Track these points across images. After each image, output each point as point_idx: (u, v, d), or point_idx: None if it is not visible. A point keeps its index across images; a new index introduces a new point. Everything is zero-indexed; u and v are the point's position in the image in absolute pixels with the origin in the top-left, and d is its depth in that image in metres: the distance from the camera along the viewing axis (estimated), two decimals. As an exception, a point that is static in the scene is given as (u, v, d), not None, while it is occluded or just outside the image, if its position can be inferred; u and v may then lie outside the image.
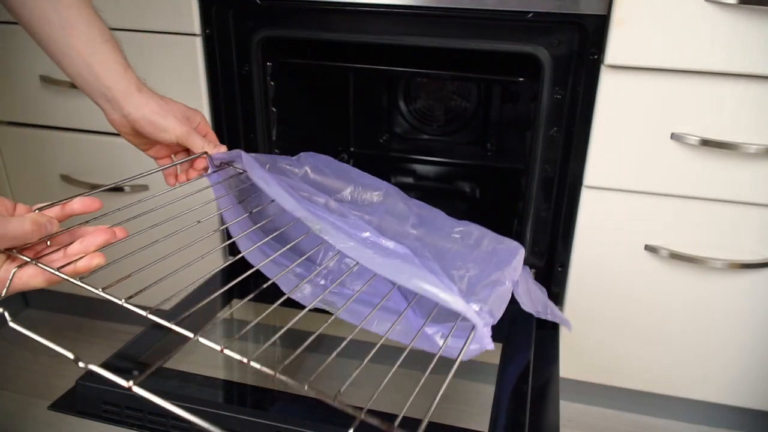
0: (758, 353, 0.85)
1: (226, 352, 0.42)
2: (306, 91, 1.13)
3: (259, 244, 0.63)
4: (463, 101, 1.27)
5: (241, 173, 0.66)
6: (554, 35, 0.77)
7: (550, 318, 0.75)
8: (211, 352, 0.42)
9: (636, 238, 0.83)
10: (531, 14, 0.76)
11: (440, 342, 0.57)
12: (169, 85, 0.91)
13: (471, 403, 1.01)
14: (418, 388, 0.43)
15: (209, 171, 0.67)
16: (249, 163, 0.63)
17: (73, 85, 0.96)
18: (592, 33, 0.75)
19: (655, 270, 0.83)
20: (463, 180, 1.29)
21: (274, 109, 0.97)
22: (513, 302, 0.69)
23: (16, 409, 1.01)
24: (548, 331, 0.83)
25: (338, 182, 0.73)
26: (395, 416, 0.39)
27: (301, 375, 0.40)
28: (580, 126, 0.80)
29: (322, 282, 0.67)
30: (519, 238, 0.91)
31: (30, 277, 0.46)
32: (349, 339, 0.47)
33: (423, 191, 1.28)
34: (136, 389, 0.38)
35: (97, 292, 0.45)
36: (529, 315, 0.75)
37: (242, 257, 0.62)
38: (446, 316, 0.55)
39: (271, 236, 0.61)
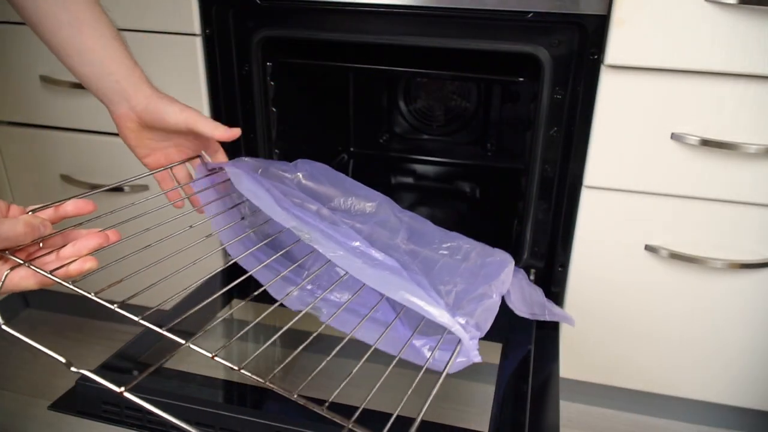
0: (758, 353, 0.85)
1: (217, 359, 0.42)
2: (306, 91, 1.13)
3: (251, 250, 0.63)
4: (463, 101, 1.26)
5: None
6: (554, 35, 0.77)
7: (548, 318, 0.75)
8: (211, 352, 0.42)
9: (636, 238, 0.83)
10: (531, 14, 0.76)
11: (427, 354, 0.57)
12: (169, 85, 0.89)
13: (471, 403, 1.01)
14: (409, 392, 0.43)
15: (195, 177, 0.67)
16: (236, 177, 0.62)
17: (73, 85, 0.97)
18: (592, 33, 0.75)
19: (655, 270, 0.83)
20: (463, 180, 1.29)
21: (274, 109, 0.97)
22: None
23: (16, 409, 1.01)
24: (548, 331, 0.83)
25: (332, 190, 0.72)
26: (384, 424, 0.39)
27: (298, 374, 0.40)
28: (580, 126, 0.80)
29: (309, 287, 0.67)
30: (519, 238, 0.91)
31: (22, 278, 0.45)
32: (340, 346, 0.48)
33: (423, 191, 1.28)
34: (128, 395, 0.38)
35: (89, 295, 0.45)
36: (529, 315, 0.75)
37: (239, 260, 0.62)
38: (434, 328, 0.55)
39: (264, 242, 0.62)
